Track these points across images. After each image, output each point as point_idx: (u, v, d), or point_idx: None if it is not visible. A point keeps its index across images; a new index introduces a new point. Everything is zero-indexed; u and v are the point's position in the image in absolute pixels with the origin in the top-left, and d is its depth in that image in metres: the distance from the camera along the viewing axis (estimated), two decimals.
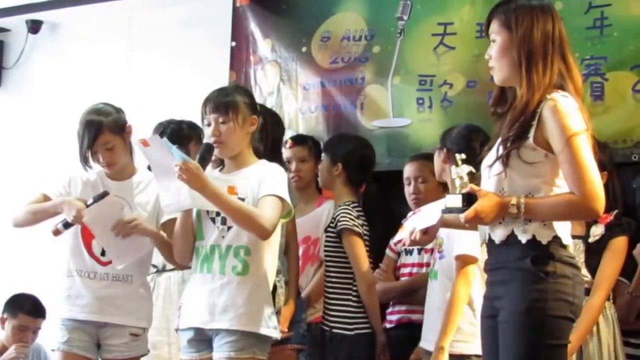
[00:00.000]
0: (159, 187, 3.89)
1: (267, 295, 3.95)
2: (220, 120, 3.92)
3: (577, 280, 3.24)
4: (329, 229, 4.75)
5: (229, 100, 3.96)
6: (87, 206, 4.08)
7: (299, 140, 5.24)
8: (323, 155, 5.01)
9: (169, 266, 4.62)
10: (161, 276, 4.76)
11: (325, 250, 4.75)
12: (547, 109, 3.18)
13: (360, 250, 4.65)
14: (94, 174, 4.32)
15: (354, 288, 4.64)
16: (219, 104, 3.94)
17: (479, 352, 4.25)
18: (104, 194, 4.13)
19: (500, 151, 3.27)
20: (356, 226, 4.66)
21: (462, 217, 3.21)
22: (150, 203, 4.27)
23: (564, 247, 3.24)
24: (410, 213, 4.02)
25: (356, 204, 4.76)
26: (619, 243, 4.35)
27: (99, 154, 4.22)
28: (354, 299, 4.64)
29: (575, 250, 4.00)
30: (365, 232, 4.72)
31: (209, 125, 3.95)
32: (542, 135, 3.20)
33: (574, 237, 3.41)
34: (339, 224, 4.67)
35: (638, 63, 5.10)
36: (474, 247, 4.30)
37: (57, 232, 4.14)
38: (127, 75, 6.88)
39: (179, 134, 4.89)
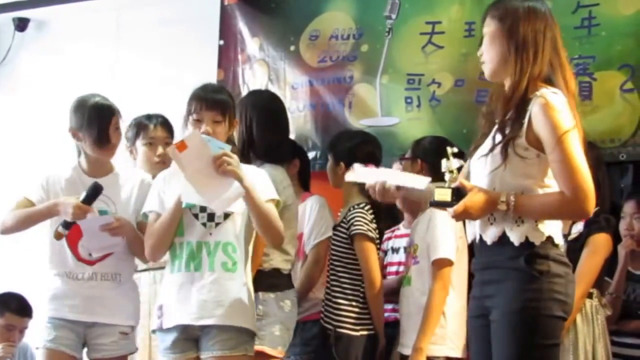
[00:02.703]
0: (197, 190, 3.72)
1: (252, 291, 3.95)
2: (217, 119, 3.87)
3: (569, 278, 3.25)
4: (340, 229, 4.71)
5: (224, 100, 3.92)
6: (81, 201, 4.03)
7: None
8: (329, 155, 4.93)
9: (141, 267, 4.60)
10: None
11: (334, 250, 4.71)
12: (536, 106, 3.18)
13: (372, 256, 4.62)
14: (68, 170, 4.29)
15: (362, 289, 4.62)
16: (216, 103, 3.89)
17: (449, 353, 4.33)
18: (96, 188, 4.08)
19: (498, 138, 3.26)
20: (370, 231, 4.63)
21: (450, 211, 3.23)
22: (132, 198, 4.23)
23: (556, 246, 3.24)
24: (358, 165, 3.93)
25: (369, 206, 4.70)
26: (598, 240, 4.36)
27: (110, 136, 4.22)
28: (360, 300, 4.61)
29: None
30: (377, 235, 4.70)
31: (198, 121, 3.85)
32: (533, 134, 3.19)
33: None
34: (353, 227, 4.62)
35: (626, 62, 5.12)
36: (450, 251, 4.32)
37: (59, 236, 4.11)
38: (114, 73, 6.85)
39: (134, 130, 4.92)
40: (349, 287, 4.64)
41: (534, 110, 3.18)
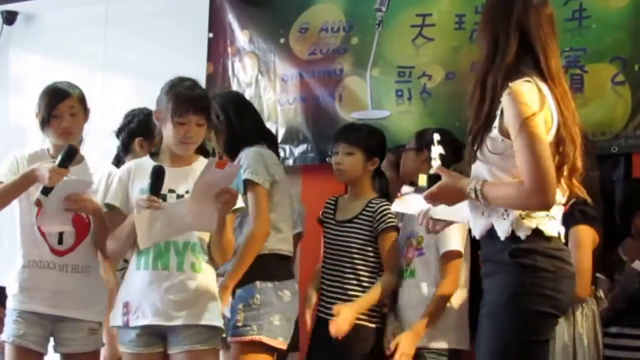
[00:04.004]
0: (193, 205, 3.74)
1: (217, 288, 4.02)
2: (200, 122, 3.88)
3: (562, 274, 3.20)
4: (361, 222, 4.69)
5: (209, 105, 3.95)
6: (57, 165, 3.96)
7: None
8: (354, 149, 4.78)
9: None
10: None
11: (356, 244, 4.68)
12: (504, 97, 3.15)
13: (396, 246, 4.66)
14: (38, 156, 4.22)
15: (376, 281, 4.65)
16: (202, 107, 3.90)
17: (453, 345, 4.37)
18: (71, 150, 4.01)
19: (470, 142, 3.28)
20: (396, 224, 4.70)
21: (423, 195, 3.31)
22: (100, 190, 4.19)
23: (547, 238, 3.20)
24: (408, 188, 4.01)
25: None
26: (577, 232, 4.28)
27: (61, 119, 4.18)
28: None
29: None
30: None
31: (182, 124, 3.86)
32: (504, 125, 3.17)
33: None
34: (387, 220, 4.62)
35: (617, 55, 5.11)
36: (460, 244, 4.33)
37: (39, 203, 4.02)
38: (103, 66, 6.84)
39: (149, 125, 4.87)
40: (366, 279, 4.63)
41: (503, 100, 3.16)
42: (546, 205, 3.12)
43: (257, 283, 4.33)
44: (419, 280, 4.48)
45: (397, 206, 3.92)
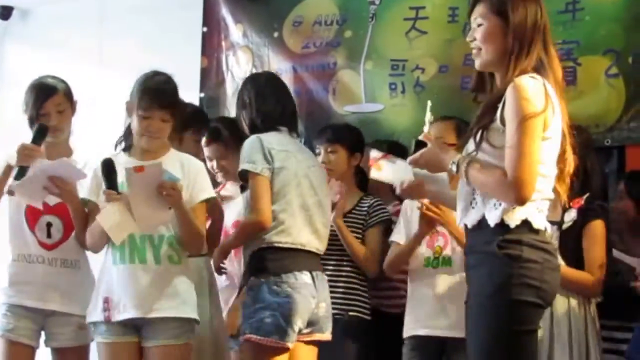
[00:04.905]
0: (135, 208, 3.78)
1: (192, 281, 4.06)
2: (165, 118, 3.94)
3: (547, 265, 3.20)
4: (353, 217, 4.77)
5: (174, 101, 4.01)
6: (31, 142, 4.02)
7: (214, 137, 4.97)
8: (337, 146, 4.86)
9: None
10: None
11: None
12: (508, 89, 3.15)
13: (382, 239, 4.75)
14: None
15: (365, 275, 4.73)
16: (167, 104, 3.96)
17: None
18: (42, 128, 4.07)
19: (473, 133, 3.27)
20: None
21: (407, 160, 3.45)
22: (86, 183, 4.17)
23: (535, 231, 3.20)
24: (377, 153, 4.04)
25: None
26: (595, 227, 4.28)
27: (48, 117, 4.19)
28: (366, 285, 4.74)
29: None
30: None
31: (146, 118, 3.92)
32: (503, 115, 3.17)
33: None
34: (380, 214, 4.76)
35: (610, 47, 5.10)
36: None
37: (12, 192, 4.06)
38: (98, 60, 6.83)
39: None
40: (360, 273, 4.72)
41: (507, 92, 3.15)
42: (520, 202, 3.14)
43: (250, 280, 4.23)
44: (455, 269, 4.37)
45: (374, 174, 3.96)
